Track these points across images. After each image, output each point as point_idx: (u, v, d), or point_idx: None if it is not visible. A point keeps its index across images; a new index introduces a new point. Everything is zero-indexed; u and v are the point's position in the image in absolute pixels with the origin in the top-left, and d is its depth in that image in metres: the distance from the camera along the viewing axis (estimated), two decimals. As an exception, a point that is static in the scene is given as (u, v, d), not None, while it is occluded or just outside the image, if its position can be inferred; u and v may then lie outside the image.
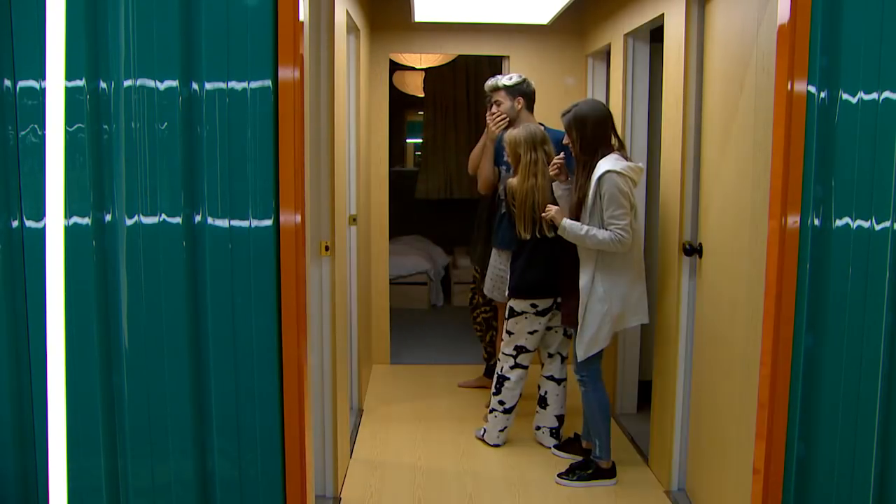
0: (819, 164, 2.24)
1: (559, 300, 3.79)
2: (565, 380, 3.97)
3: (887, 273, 2.23)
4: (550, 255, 3.74)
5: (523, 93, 4.08)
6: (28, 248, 2.23)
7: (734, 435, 2.80)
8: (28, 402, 2.27)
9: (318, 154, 3.12)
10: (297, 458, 2.33)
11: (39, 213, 2.21)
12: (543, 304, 3.81)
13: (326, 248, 3.14)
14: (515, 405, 3.94)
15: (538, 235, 3.72)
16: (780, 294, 2.26)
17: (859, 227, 2.23)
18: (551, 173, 3.59)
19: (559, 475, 3.57)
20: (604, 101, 5.00)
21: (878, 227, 2.22)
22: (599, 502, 3.38)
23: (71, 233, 2.21)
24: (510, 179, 3.80)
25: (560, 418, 3.97)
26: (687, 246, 3.27)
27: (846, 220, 2.24)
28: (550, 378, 3.97)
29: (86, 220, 2.21)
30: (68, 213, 2.20)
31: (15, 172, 2.21)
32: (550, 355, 3.99)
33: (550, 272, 3.77)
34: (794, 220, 2.24)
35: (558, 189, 3.61)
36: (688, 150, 3.27)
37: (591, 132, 3.37)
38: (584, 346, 3.44)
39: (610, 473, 3.55)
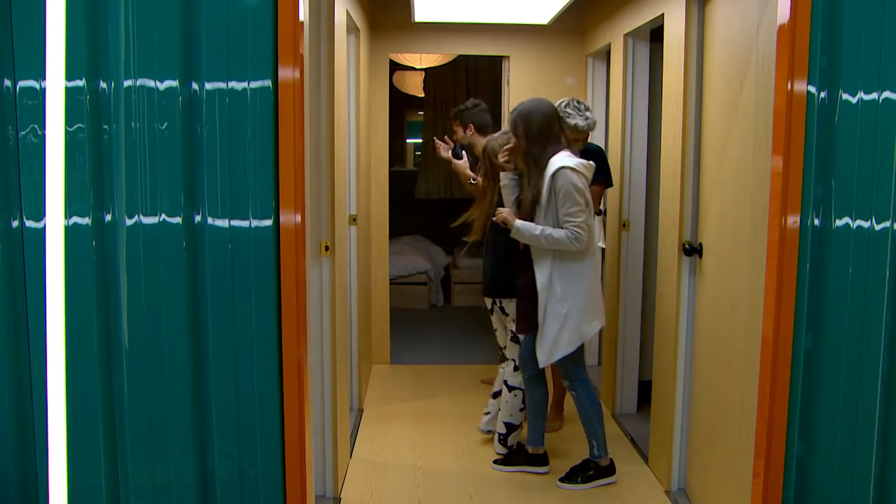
0: (819, 164, 2.24)
1: (497, 302, 3.71)
2: (518, 389, 3.72)
3: (887, 273, 2.23)
4: (486, 252, 3.73)
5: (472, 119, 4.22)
6: (28, 248, 2.23)
7: (734, 435, 2.80)
8: (28, 402, 2.27)
9: (318, 154, 3.12)
10: (297, 458, 2.33)
11: (39, 213, 2.21)
12: (487, 303, 3.80)
13: (326, 248, 3.14)
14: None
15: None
16: (780, 294, 2.26)
17: (859, 227, 2.23)
18: (501, 160, 3.48)
19: (560, 480, 3.55)
20: (604, 101, 5.02)
21: (878, 227, 2.22)
22: (599, 502, 3.38)
23: (71, 233, 2.21)
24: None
25: (508, 426, 3.77)
26: (687, 246, 3.27)
27: (846, 220, 2.24)
28: (505, 382, 3.79)
29: (86, 220, 2.21)
30: (68, 213, 2.20)
31: (15, 172, 2.21)
32: (504, 358, 3.85)
33: (484, 272, 3.75)
34: (794, 220, 2.24)
35: (505, 178, 3.50)
36: (688, 150, 3.27)
37: (538, 128, 3.29)
38: (546, 352, 3.33)
39: (610, 470, 3.54)
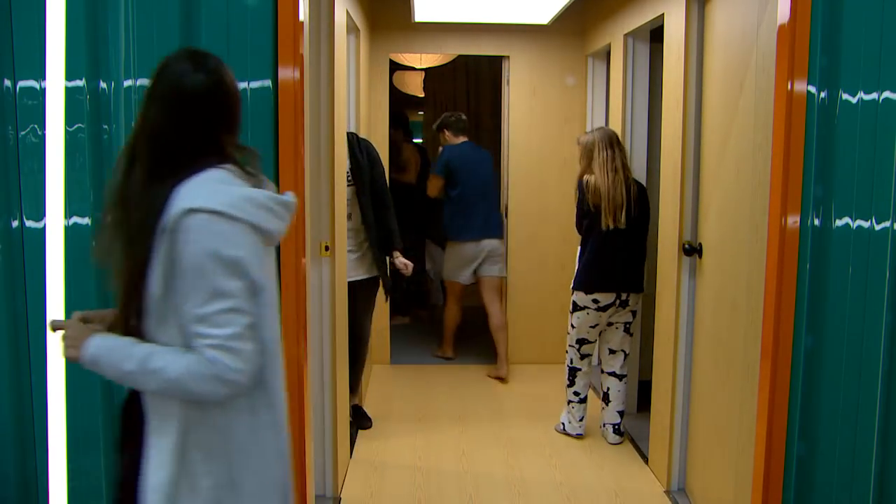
0: (819, 164, 2.24)
1: (623, 296, 3.89)
2: (626, 376, 4.05)
3: (887, 273, 2.23)
4: (616, 249, 3.86)
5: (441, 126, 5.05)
6: (28, 248, 2.22)
7: (734, 435, 2.80)
8: (28, 402, 2.27)
9: (318, 154, 3.12)
10: (297, 459, 2.33)
11: (39, 213, 2.21)
12: (605, 299, 3.89)
13: (326, 248, 3.14)
14: (587, 394, 4.11)
15: (617, 227, 3.84)
16: (780, 294, 2.26)
17: (859, 227, 2.23)
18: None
19: None
20: (604, 101, 5.01)
21: (878, 227, 2.22)
22: (599, 502, 3.38)
23: (71, 233, 2.21)
24: (587, 176, 3.90)
25: (621, 413, 4.02)
26: (687, 246, 3.27)
27: (846, 220, 2.24)
28: (612, 374, 4.02)
29: (86, 220, 2.21)
30: (68, 213, 2.20)
31: (15, 172, 2.21)
32: (612, 351, 4.04)
33: (614, 268, 3.89)
34: (794, 220, 2.24)
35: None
36: (688, 150, 3.27)
37: (178, 110, 1.56)
38: None
39: None
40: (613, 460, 3.80)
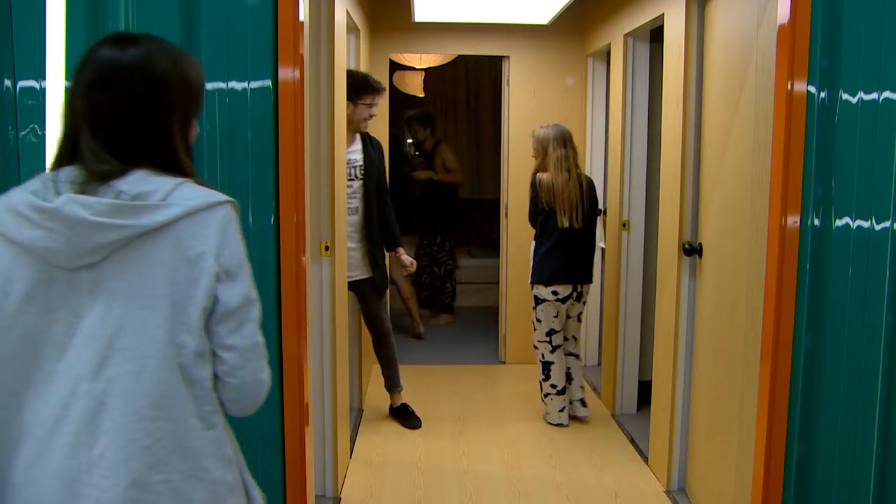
0: (819, 164, 2.24)
1: (579, 288, 4.10)
2: (579, 355, 4.34)
3: (887, 273, 2.23)
4: (571, 245, 4.03)
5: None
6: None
7: (734, 435, 2.80)
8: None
9: (318, 154, 3.12)
10: (297, 459, 2.33)
11: (39, 213, 2.20)
12: (564, 291, 4.08)
13: (326, 248, 3.14)
14: (566, 384, 4.27)
15: (572, 225, 4.01)
16: (780, 294, 2.27)
17: (859, 227, 2.23)
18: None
19: None
20: (604, 101, 5.01)
21: (878, 227, 2.22)
22: (599, 502, 3.38)
23: (71, 233, 2.20)
24: (541, 174, 4.04)
25: (582, 388, 4.30)
26: (687, 246, 3.27)
27: (846, 220, 2.24)
28: (570, 355, 4.27)
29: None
30: (68, 213, 2.20)
31: (15, 172, 2.20)
32: (566, 339, 4.27)
33: (570, 261, 4.06)
34: (794, 220, 2.24)
35: None
36: (688, 150, 3.27)
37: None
38: None
39: None
40: (613, 460, 3.80)
